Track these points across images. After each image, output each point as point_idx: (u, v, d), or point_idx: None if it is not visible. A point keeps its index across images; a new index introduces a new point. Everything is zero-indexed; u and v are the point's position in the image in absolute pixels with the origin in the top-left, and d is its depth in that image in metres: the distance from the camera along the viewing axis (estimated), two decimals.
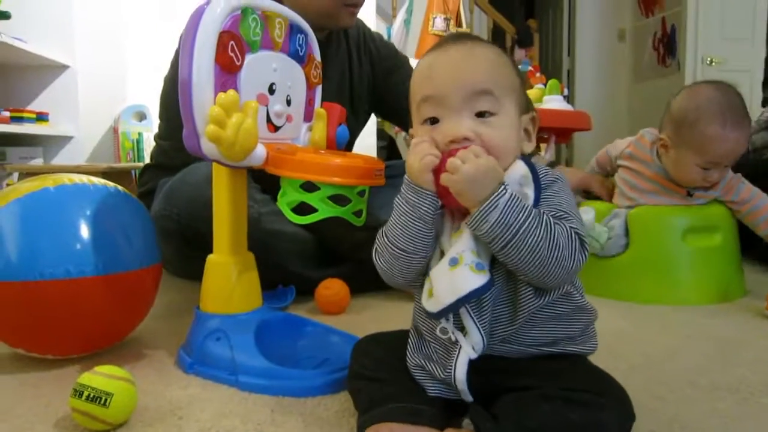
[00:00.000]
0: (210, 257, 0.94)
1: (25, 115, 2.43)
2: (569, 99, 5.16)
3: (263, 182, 1.29)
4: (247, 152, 0.82)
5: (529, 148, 0.74)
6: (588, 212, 1.40)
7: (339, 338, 0.99)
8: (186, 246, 1.30)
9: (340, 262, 1.39)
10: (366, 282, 1.31)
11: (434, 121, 0.69)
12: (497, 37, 4.65)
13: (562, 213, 0.66)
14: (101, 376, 0.74)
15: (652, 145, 1.44)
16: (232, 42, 0.82)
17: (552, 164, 1.62)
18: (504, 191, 0.63)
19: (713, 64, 4.46)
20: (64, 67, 2.64)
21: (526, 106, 0.74)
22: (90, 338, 0.97)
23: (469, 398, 0.68)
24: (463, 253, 0.65)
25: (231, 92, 0.80)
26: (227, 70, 0.82)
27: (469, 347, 0.66)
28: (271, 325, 0.95)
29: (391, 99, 1.68)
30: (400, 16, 3.94)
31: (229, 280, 0.93)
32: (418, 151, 0.68)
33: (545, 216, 0.64)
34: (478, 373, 0.67)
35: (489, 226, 0.63)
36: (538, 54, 5.37)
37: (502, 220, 0.62)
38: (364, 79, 1.65)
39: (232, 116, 0.80)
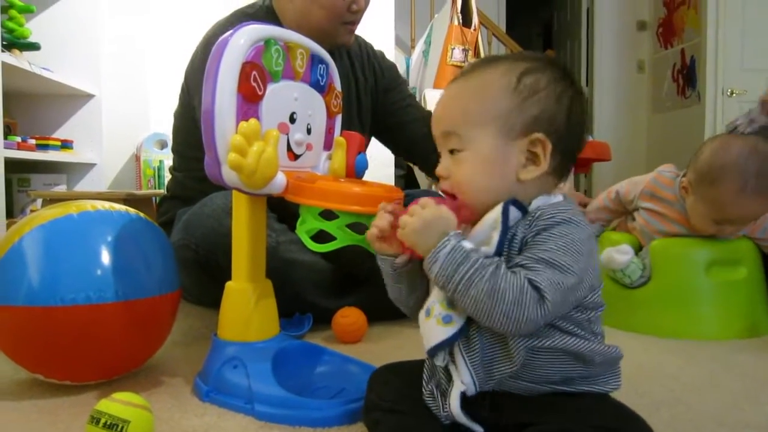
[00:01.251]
0: (228, 284, 0.95)
1: (50, 142, 2.47)
2: (588, 129, 5.14)
3: (279, 211, 1.30)
4: (268, 180, 0.83)
5: (529, 173, 0.69)
6: (627, 252, 1.39)
7: (356, 367, 0.98)
8: (204, 275, 1.31)
9: (358, 291, 1.38)
10: (383, 310, 1.30)
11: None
12: None
13: (534, 262, 0.63)
14: (118, 403, 0.74)
15: (673, 183, 1.42)
16: (254, 72, 0.83)
17: None
18: (445, 244, 0.64)
19: (734, 95, 4.44)
20: (89, 96, 2.69)
21: (530, 127, 0.69)
22: (108, 364, 0.97)
23: (478, 429, 0.67)
24: (433, 305, 0.69)
25: (252, 121, 0.81)
26: (249, 100, 0.84)
27: (459, 381, 0.67)
28: (288, 353, 0.95)
29: (387, 116, 1.69)
30: (419, 47, 3.98)
31: (246, 307, 0.93)
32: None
33: (494, 268, 0.62)
34: (496, 409, 0.67)
35: (434, 276, 0.65)
36: None
37: (443, 272, 0.64)
38: (368, 92, 1.66)
39: (253, 145, 0.80)
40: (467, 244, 0.65)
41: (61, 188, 2.64)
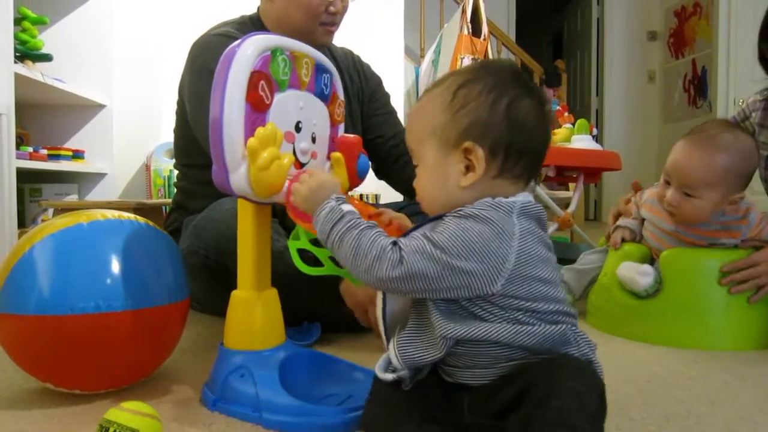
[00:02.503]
0: (234, 293, 0.95)
1: (62, 152, 2.49)
2: (598, 139, 5.14)
3: (278, 216, 1.30)
4: (274, 191, 0.84)
5: (468, 180, 0.72)
6: (649, 274, 1.37)
7: (363, 375, 0.98)
8: (214, 282, 1.31)
9: None
10: None
11: None
12: None
13: (418, 235, 0.69)
14: (127, 412, 0.74)
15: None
16: (262, 81, 0.84)
17: None
18: (324, 206, 0.75)
19: None
20: (100, 107, 2.72)
21: (462, 137, 0.72)
22: (117, 373, 0.97)
23: (404, 373, 0.72)
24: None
25: (270, 125, 0.83)
26: (257, 109, 0.84)
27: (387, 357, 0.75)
28: (294, 361, 0.95)
29: (366, 131, 1.68)
30: (428, 56, 3.99)
31: (252, 315, 0.93)
32: None
33: (365, 228, 0.71)
34: (474, 408, 0.69)
35: (318, 236, 0.75)
36: (566, 94, 5.38)
37: (322, 230, 0.74)
38: (356, 96, 1.67)
39: (273, 147, 0.82)
40: (346, 207, 0.74)
41: (73, 198, 2.66)
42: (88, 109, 2.72)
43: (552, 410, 0.58)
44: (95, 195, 2.76)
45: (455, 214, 0.69)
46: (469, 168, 0.72)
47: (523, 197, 0.73)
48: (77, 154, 2.60)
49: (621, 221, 1.57)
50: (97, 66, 2.69)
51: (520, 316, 0.69)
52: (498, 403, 0.66)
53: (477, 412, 0.69)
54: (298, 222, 0.86)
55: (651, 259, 1.46)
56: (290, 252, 0.86)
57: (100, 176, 2.76)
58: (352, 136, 1.03)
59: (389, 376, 0.73)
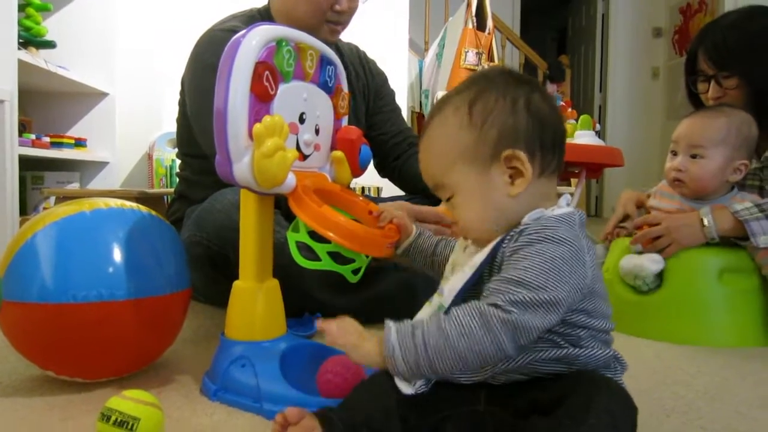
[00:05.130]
0: (236, 283, 0.95)
1: (64, 140, 2.49)
2: (601, 134, 5.13)
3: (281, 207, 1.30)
4: (276, 183, 0.83)
5: (519, 187, 0.70)
6: (659, 261, 1.36)
7: (363, 367, 0.98)
8: (215, 272, 1.31)
9: (365, 289, 1.37)
10: (390, 310, 1.29)
11: None
12: (529, 72, 4.67)
13: (503, 283, 0.64)
14: (129, 401, 0.74)
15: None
16: (267, 72, 0.83)
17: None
18: (389, 330, 0.65)
19: None
20: (103, 95, 2.72)
21: (498, 148, 0.70)
22: (119, 362, 0.97)
23: (407, 390, 0.68)
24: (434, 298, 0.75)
25: (277, 116, 0.83)
26: (261, 99, 0.84)
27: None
28: (295, 352, 0.95)
29: (369, 128, 1.68)
30: (432, 49, 3.98)
31: (254, 306, 0.93)
32: None
33: (443, 314, 0.64)
34: (491, 402, 0.69)
35: (400, 363, 0.64)
36: (570, 89, 5.37)
37: (406, 348, 0.64)
38: (361, 91, 1.67)
39: (279, 136, 0.82)
40: (400, 324, 0.66)
41: (75, 186, 2.66)
42: (91, 97, 2.72)
43: (587, 427, 0.58)
44: (97, 183, 2.76)
45: (526, 241, 0.65)
46: (513, 176, 0.70)
47: (567, 201, 0.72)
48: (80, 143, 2.60)
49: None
50: (100, 54, 2.69)
51: (581, 333, 0.68)
52: (522, 402, 0.66)
53: (494, 404, 0.68)
54: (298, 214, 0.86)
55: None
56: (290, 245, 0.86)
57: (102, 165, 2.76)
58: (352, 129, 1.03)
59: (409, 390, 0.69)
